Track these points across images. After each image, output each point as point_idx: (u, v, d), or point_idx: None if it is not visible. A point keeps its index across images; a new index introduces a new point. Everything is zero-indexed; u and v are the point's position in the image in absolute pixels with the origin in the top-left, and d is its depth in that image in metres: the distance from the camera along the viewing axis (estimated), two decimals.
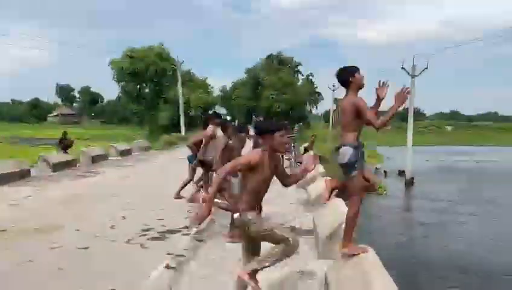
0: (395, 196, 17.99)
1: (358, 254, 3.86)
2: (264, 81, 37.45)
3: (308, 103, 40.20)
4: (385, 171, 24.72)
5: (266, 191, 3.36)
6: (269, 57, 42.18)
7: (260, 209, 3.40)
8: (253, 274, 3.18)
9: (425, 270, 9.24)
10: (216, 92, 47.73)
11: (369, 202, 16.71)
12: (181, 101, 30.22)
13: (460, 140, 56.13)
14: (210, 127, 7.13)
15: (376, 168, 25.16)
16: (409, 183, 21.29)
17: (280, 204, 7.98)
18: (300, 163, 14.78)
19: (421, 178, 22.48)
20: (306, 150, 16.28)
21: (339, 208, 5.43)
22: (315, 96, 40.88)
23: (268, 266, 3.20)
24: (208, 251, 5.05)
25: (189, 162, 7.59)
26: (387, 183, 20.91)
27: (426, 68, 23.36)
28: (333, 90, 45.79)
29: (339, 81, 3.79)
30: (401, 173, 23.99)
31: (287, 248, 3.12)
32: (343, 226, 4.99)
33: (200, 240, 5.48)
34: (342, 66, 3.80)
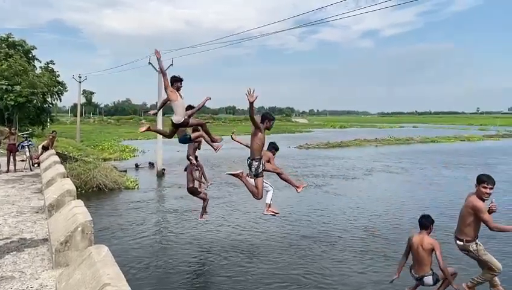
0: (147, 189, 18.51)
1: None
2: None
3: (50, 95, 35.74)
4: (136, 165, 25.05)
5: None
6: None
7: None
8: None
9: (166, 256, 9.96)
10: None
11: (121, 197, 16.62)
12: None
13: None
14: None
15: (136, 165, 25.16)
16: (160, 174, 22.32)
17: (10, 214, 6.94)
18: (39, 164, 13.15)
19: (171, 168, 24.00)
20: (45, 148, 14.62)
21: (73, 211, 5.19)
22: (58, 87, 36.78)
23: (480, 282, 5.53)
24: None
25: None
26: (140, 176, 21.30)
27: (171, 65, 24.94)
28: (80, 82, 42.66)
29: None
30: (152, 165, 24.93)
31: (492, 275, 5.39)
32: (79, 229, 4.83)
33: None
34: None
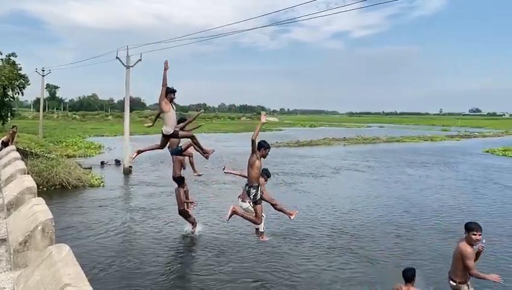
0: (113, 187, 18.03)
1: None
2: None
3: (11, 88, 34.21)
4: (102, 162, 24.38)
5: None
6: None
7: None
8: None
9: (131, 255, 9.77)
10: None
11: (85, 195, 16.12)
12: None
13: None
14: None
15: (102, 162, 24.40)
16: (127, 172, 21.81)
17: None
18: None
19: (139, 166, 23.51)
20: (5, 144, 13.98)
21: (34, 209, 4.98)
22: (20, 81, 35.24)
23: None
24: None
25: None
26: (105, 174, 20.75)
27: (140, 60, 24.36)
28: (43, 76, 41.03)
29: None
30: (118, 162, 24.30)
31: None
32: (39, 228, 4.64)
33: None
34: None
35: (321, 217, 13.19)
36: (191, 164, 10.54)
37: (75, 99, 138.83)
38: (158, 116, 8.46)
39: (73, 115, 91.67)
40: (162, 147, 8.43)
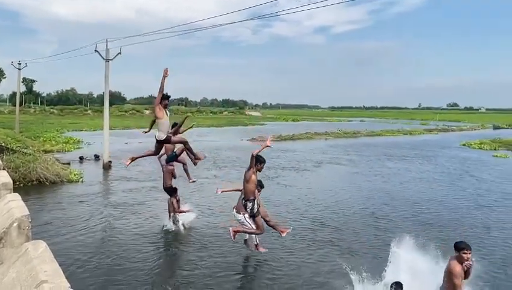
0: (92, 182, 17.73)
1: None
2: None
3: None
4: (81, 157, 23.93)
5: None
6: None
7: None
8: None
9: (110, 252, 9.67)
10: None
11: (64, 191, 15.82)
12: None
13: None
14: None
15: (80, 157, 23.90)
16: (107, 167, 21.48)
17: None
18: None
19: (118, 161, 23.17)
20: None
21: (9, 205, 4.85)
22: None
23: None
24: None
25: None
26: (84, 169, 20.39)
27: (119, 53, 23.91)
28: (19, 69, 39.87)
29: None
30: (97, 157, 23.90)
31: None
32: (15, 225, 4.52)
33: None
34: None
35: (303, 211, 13.31)
36: (185, 171, 10.90)
37: (53, 94, 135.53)
38: (154, 122, 8.60)
39: (51, 110, 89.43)
40: (156, 153, 8.72)
